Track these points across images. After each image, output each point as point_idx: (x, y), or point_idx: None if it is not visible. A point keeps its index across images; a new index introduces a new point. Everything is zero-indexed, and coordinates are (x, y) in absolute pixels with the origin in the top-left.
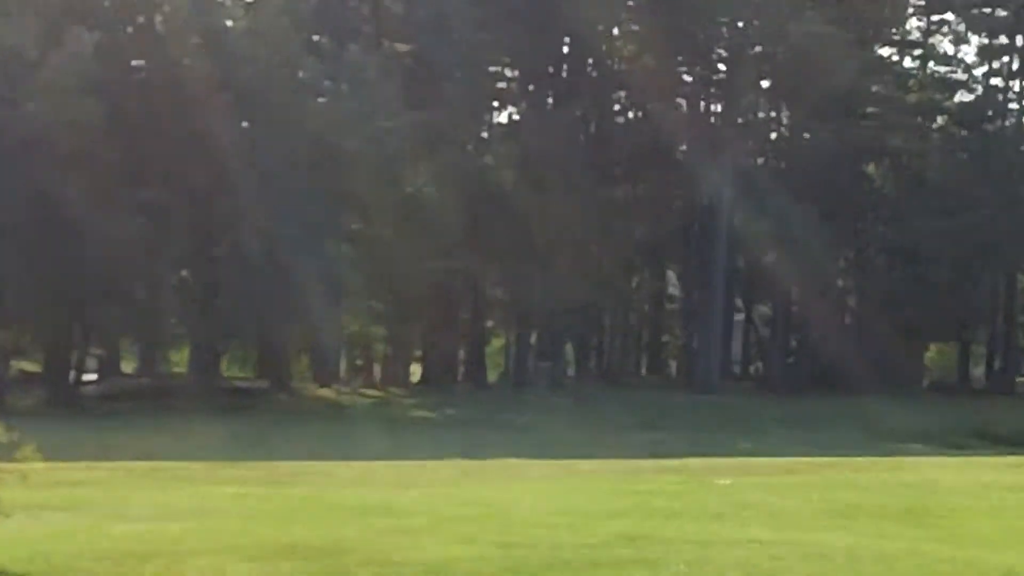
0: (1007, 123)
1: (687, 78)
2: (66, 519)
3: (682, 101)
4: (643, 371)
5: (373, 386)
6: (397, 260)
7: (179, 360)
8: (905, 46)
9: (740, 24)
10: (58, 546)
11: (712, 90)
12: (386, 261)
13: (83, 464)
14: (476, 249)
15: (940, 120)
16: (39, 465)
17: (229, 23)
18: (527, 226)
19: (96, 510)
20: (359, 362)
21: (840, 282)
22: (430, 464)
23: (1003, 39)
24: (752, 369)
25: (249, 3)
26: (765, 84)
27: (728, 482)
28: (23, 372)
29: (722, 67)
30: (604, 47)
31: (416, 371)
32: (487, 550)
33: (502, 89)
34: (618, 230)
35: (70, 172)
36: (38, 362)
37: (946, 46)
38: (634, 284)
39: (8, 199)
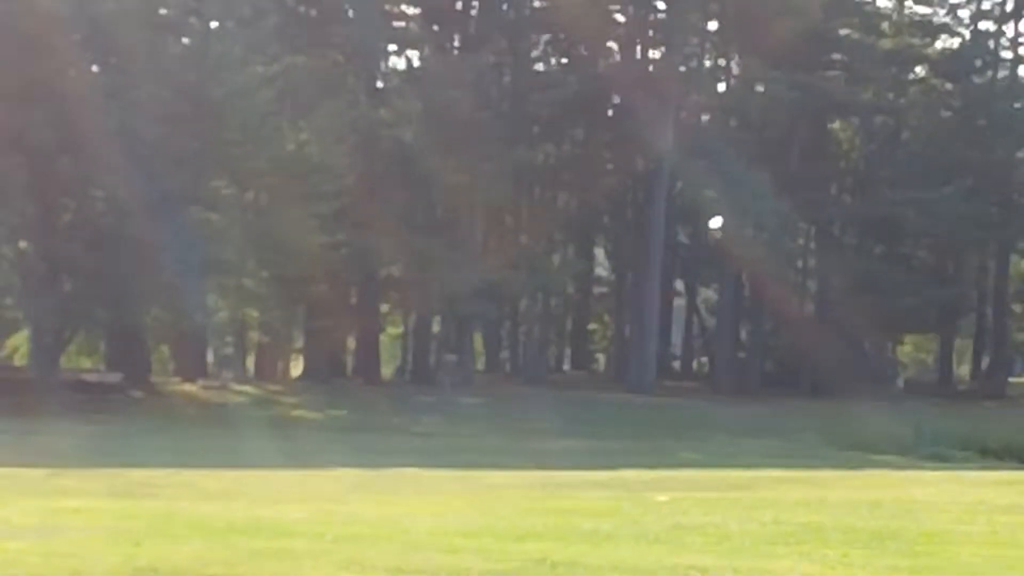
0: (998, 75)
1: (620, 18)
2: None
3: (614, 46)
4: (566, 366)
5: (246, 381)
6: (275, 231)
7: (17, 348)
8: None
9: None
10: None
11: (650, 33)
12: (261, 232)
13: None
14: (368, 219)
15: (919, 71)
16: None
17: None
18: (429, 192)
19: None
20: (229, 351)
21: (800, 263)
22: (313, 475)
23: None
24: (695, 365)
25: None
26: (713, 26)
27: (666, 499)
28: None
29: (661, 5)
30: None
31: (297, 364)
32: None
33: (400, 30)
34: (537, 198)
35: None
36: None
37: None
38: (556, 262)
39: None
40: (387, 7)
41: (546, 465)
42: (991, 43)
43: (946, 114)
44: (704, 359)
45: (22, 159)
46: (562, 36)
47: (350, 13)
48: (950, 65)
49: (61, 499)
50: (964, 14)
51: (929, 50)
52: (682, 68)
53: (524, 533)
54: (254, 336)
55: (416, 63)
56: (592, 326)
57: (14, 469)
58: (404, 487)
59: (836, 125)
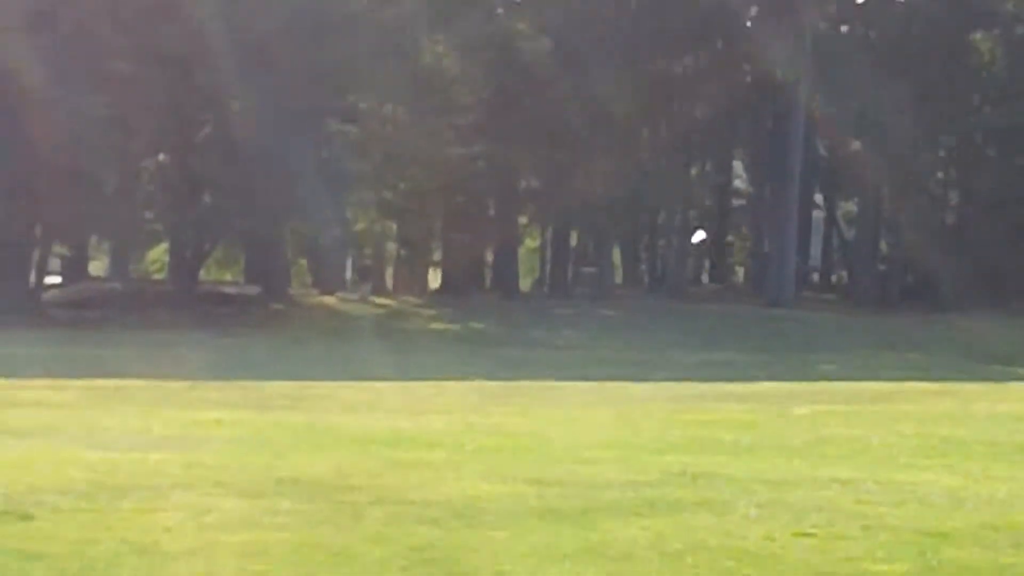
0: None
1: None
2: (27, 445)
3: None
4: (704, 279)
5: (384, 294)
6: (412, 144)
7: (156, 262)
8: None
9: None
10: (18, 476)
11: None
12: (398, 145)
13: (46, 382)
14: (505, 132)
15: None
16: None
17: None
18: (567, 105)
19: (62, 435)
20: (367, 264)
21: (940, 175)
22: (451, 386)
23: None
24: (834, 278)
25: None
26: None
27: (806, 411)
28: None
29: None
30: None
31: (435, 277)
32: (520, 488)
33: None
34: (675, 110)
35: (23, 40)
36: None
37: None
38: (694, 175)
39: None
40: None
41: (685, 378)
42: None
43: None
44: (843, 272)
45: (160, 73)
46: None
47: None
48: None
49: (202, 411)
50: None
51: None
52: None
53: (664, 445)
54: (392, 249)
55: None
56: (730, 239)
57: (155, 381)
58: (543, 399)
59: (977, 36)
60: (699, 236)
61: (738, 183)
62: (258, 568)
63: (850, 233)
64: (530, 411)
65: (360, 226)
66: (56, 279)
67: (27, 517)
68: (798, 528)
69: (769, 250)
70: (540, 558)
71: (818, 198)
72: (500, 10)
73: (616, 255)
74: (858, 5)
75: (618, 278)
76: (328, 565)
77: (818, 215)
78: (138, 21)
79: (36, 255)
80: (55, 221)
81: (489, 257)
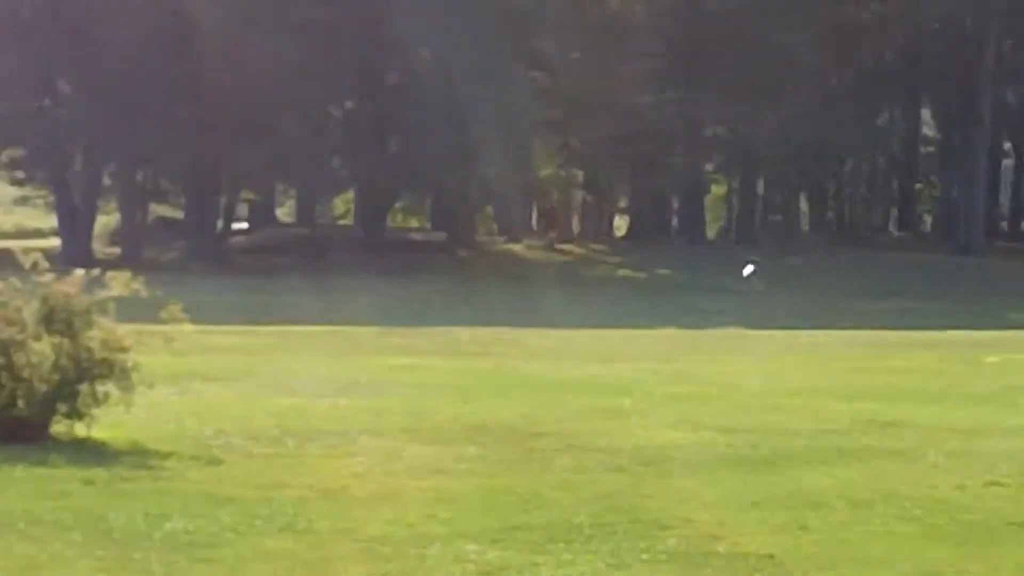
0: None
1: None
2: (217, 391)
3: None
4: (892, 227)
5: (570, 241)
6: (598, 91)
7: (343, 208)
8: None
9: None
10: (208, 422)
11: None
12: (585, 92)
13: (235, 327)
14: (692, 79)
15: None
16: (186, 327)
17: None
18: (752, 51)
19: (251, 381)
20: (554, 211)
21: None
22: (638, 334)
23: None
24: None
25: None
26: None
27: (996, 360)
28: (163, 220)
29: None
30: None
31: (621, 224)
32: (708, 436)
33: None
34: (862, 57)
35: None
36: (180, 207)
37: None
38: (881, 122)
39: (144, 16)
40: None
41: (873, 326)
42: None
43: None
44: None
45: (349, 19)
46: None
47: None
48: None
49: (390, 357)
50: None
51: None
52: None
53: (852, 393)
54: (578, 196)
55: None
56: (918, 186)
57: (344, 327)
58: (731, 347)
59: None
60: (749, 269)
61: (926, 130)
62: (446, 514)
63: None
64: (718, 359)
65: (546, 173)
66: (243, 225)
67: (216, 462)
68: (989, 477)
69: (957, 198)
70: (727, 506)
71: (1007, 146)
72: None
73: (803, 203)
74: None
75: (804, 226)
76: (516, 511)
77: (1007, 163)
78: None
79: (223, 202)
80: (243, 168)
81: (675, 204)
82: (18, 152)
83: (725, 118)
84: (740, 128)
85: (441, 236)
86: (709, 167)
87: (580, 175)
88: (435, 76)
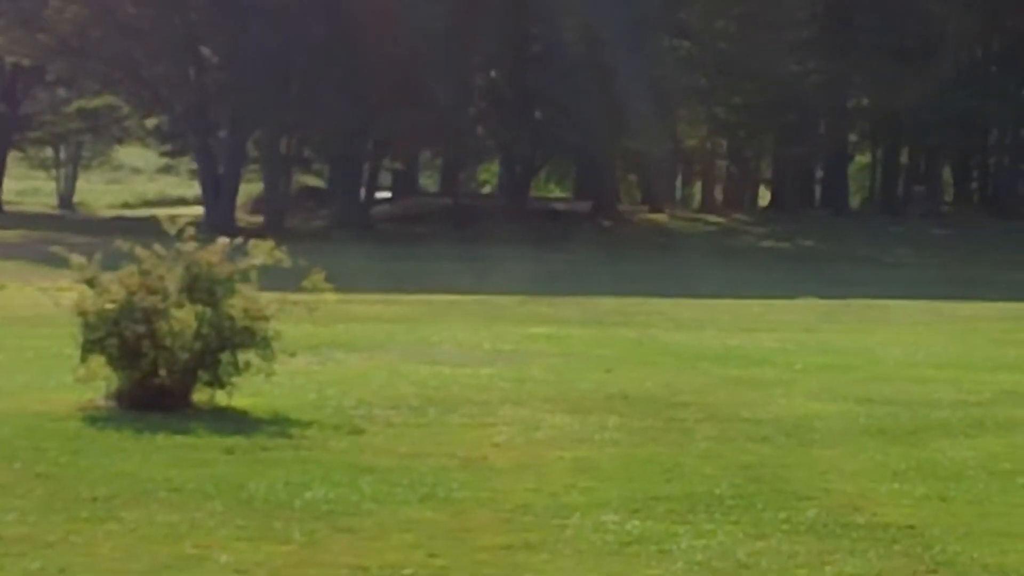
0: None
1: None
2: (359, 360)
3: None
4: None
5: (714, 210)
6: (743, 60)
7: (487, 177)
8: None
9: None
10: (349, 392)
11: None
12: (730, 61)
13: (377, 296)
14: (837, 48)
15: None
16: (328, 297)
17: None
18: (898, 19)
19: (393, 349)
20: (698, 180)
21: None
22: (781, 304)
23: None
24: None
25: None
26: None
27: None
28: (306, 188)
29: None
30: None
31: (765, 194)
32: (849, 407)
33: None
34: (1008, 27)
35: None
36: (323, 176)
37: None
38: None
39: None
40: None
41: (1017, 297)
42: None
43: None
44: None
45: None
46: None
47: None
48: None
49: (533, 326)
50: None
51: None
52: None
53: (996, 365)
54: (723, 165)
55: None
56: None
57: (486, 296)
58: (873, 317)
59: None
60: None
61: None
62: (587, 484)
63: None
64: (860, 329)
65: (691, 142)
66: (386, 194)
67: (357, 431)
68: None
69: None
70: (869, 476)
71: None
72: None
73: (947, 173)
74: None
75: (948, 196)
76: (657, 482)
77: None
78: None
79: (367, 171)
80: (388, 136)
81: (819, 174)
82: (163, 120)
83: (870, 87)
84: (885, 97)
85: (585, 205)
86: (853, 137)
87: (724, 145)
88: (580, 46)
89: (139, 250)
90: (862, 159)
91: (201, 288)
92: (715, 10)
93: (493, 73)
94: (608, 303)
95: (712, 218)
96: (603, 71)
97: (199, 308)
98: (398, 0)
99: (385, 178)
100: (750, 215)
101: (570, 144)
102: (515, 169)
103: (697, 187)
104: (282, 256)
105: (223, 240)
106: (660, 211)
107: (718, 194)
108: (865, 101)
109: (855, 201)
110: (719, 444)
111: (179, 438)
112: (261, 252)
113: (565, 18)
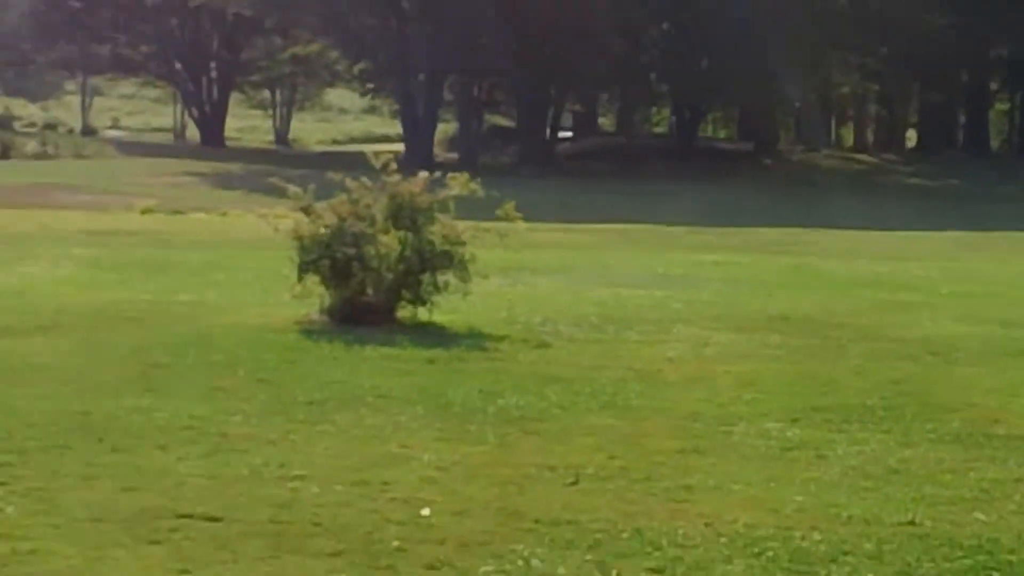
0: None
1: None
2: (544, 282)
3: None
4: None
5: (864, 151)
6: (893, 11)
7: (658, 119)
8: None
9: None
10: (536, 310)
11: None
12: (881, 12)
13: (559, 225)
14: (976, 2)
15: None
16: (518, 225)
17: None
18: None
19: (574, 273)
20: (850, 123)
21: None
22: (926, 236)
23: None
24: None
25: None
26: None
27: None
28: (496, 128)
29: None
30: None
31: (911, 136)
32: (990, 329)
33: None
34: None
35: None
36: (512, 117)
37: None
38: None
39: None
40: None
41: None
42: None
43: None
44: None
45: None
46: None
47: None
48: None
49: (701, 253)
50: None
51: None
52: None
53: None
54: (872, 109)
55: None
56: None
57: (657, 226)
58: (1014, 249)
59: None
60: None
61: None
62: (751, 395)
63: None
64: (1000, 259)
65: (843, 89)
66: (568, 134)
67: (544, 345)
68: None
69: None
70: (1009, 392)
71: None
72: None
73: None
74: None
75: None
76: (814, 394)
77: None
78: None
79: (551, 112)
80: (570, 82)
81: (962, 120)
82: (368, 66)
83: (1007, 39)
84: (1020, 48)
85: (747, 146)
86: (994, 85)
87: (875, 89)
88: (742, 3)
89: (349, 182)
90: (1001, 106)
91: (404, 216)
92: None
93: (665, 26)
94: (768, 233)
95: (863, 158)
96: (764, 25)
97: (402, 234)
98: None
99: (567, 119)
100: (897, 155)
101: (733, 91)
102: (684, 113)
103: (849, 129)
104: (476, 188)
105: (423, 174)
106: (815, 151)
107: (868, 136)
108: (1004, 52)
109: (995, 144)
110: (870, 361)
111: (385, 350)
112: (457, 184)
113: None
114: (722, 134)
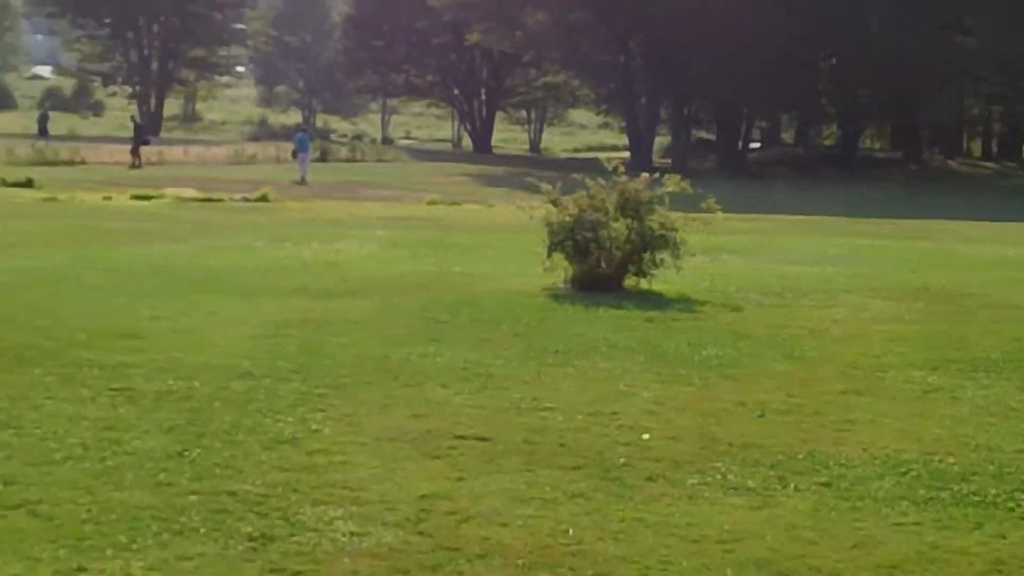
0: None
1: None
2: (737, 260)
3: None
4: None
5: (989, 159)
6: (1011, 51)
7: (828, 134)
8: None
9: None
10: (731, 282)
11: None
12: (1001, 52)
13: (748, 216)
14: None
15: None
16: (718, 216)
17: None
18: None
19: (761, 254)
20: (979, 137)
21: None
22: None
23: None
24: None
25: None
26: None
27: None
28: (700, 140)
29: None
30: None
31: None
32: None
33: None
34: None
35: None
36: (712, 132)
37: None
38: None
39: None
40: None
41: None
42: None
43: None
44: None
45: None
46: None
47: None
48: None
49: (859, 239)
50: None
51: None
52: None
53: None
54: (997, 126)
55: None
56: None
57: (825, 217)
58: None
59: None
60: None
61: None
62: (899, 349)
63: None
64: None
65: (973, 111)
66: (756, 145)
67: (737, 308)
68: None
69: None
70: None
71: None
72: None
73: None
74: None
75: None
76: (949, 348)
77: None
78: None
79: (743, 127)
80: (758, 104)
81: None
82: (601, 92)
83: None
84: None
85: (896, 155)
86: None
87: (999, 110)
88: (894, 44)
89: (587, 181)
90: None
91: (630, 208)
92: (990, 15)
93: (833, 61)
94: (912, 224)
95: (988, 165)
96: (910, 61)
97: (628, 221)
98: (755, 9)
99: (756, 133)
100: (1016, 163)
101: (886, 112)
102: (847, 129)
103: (977, 142)
104: (685, 186)
105: (645, 175)
106: (951, 159)
107: (993, 147)
108: None
109: None
110: (995, 323)
111: (613, 311)
112: (671, 183)
113: (885, 24)
114: (876, 145)
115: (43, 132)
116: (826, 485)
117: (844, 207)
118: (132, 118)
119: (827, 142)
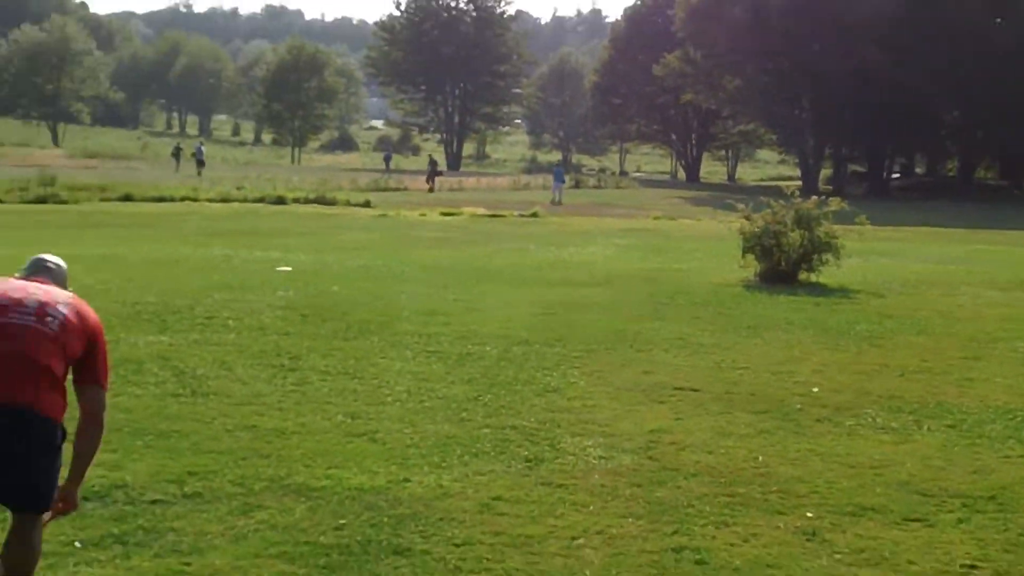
0: None
1: None
2: (883, 260)
3: None
4: None
5: None
6: None
7: (951, 167)
8: None
9: None
10: (878, 276)
11: None
12: None
13: (891, 228)
14: None
15: None
16: (867, 228)
17: None
18: None
19: (901, 255)
20: None
21: None
22: None
23: None
24: None
25: None
26: None
27: None
28: (853, 172)
29: None
30: None
31: None
32: None
33: None
34: None
35: (882, 47)
36: (863, 166)
37: None
38: None
39: (846, 57)
40: None
41: None
42: None
43: None
44: None
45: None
46: None
47: None
48: None
49: (975, 244)
50: None
51: None
52: None
53: None
54: None
55: None
56: None
57: (948, 229)
58: None
59: None
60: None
61: None
62: (1008, 327)
63: None
64: None
65: None
66: (896, 175)
67: (882, 296)
68: None
69: None
70: None
71: None
72: None
73: None
74: None
75: None
76: None
77: None
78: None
79: (887, 162)
80: (899, 143)
81: None
82: (780, 136)
83: None
84: None
85: (1005, 182)
86: None
87: None
88: (1002, 91)
89: (771, 203)
90: None
91: (803, 222)
92: None
93: (955, 113)
94: (1018, 234)
95: None
96: (1017, 107)
97: (802, 232)
98: (896, 68)
99: (896, 166)
100: None
101: (996, 149)
102: (967, 161)
103: None
104: (844, 206)
105: (813, 198)
106: None
107: None
108: None
109: None
110: None
111: (791, 297)
112: (833, 204)
113: (1002, 79)
114: (988, 175)
115: (387, 167)
116: (951, 427)
117: (963, 222)
118: (429, 155)
119: (950, 173)
